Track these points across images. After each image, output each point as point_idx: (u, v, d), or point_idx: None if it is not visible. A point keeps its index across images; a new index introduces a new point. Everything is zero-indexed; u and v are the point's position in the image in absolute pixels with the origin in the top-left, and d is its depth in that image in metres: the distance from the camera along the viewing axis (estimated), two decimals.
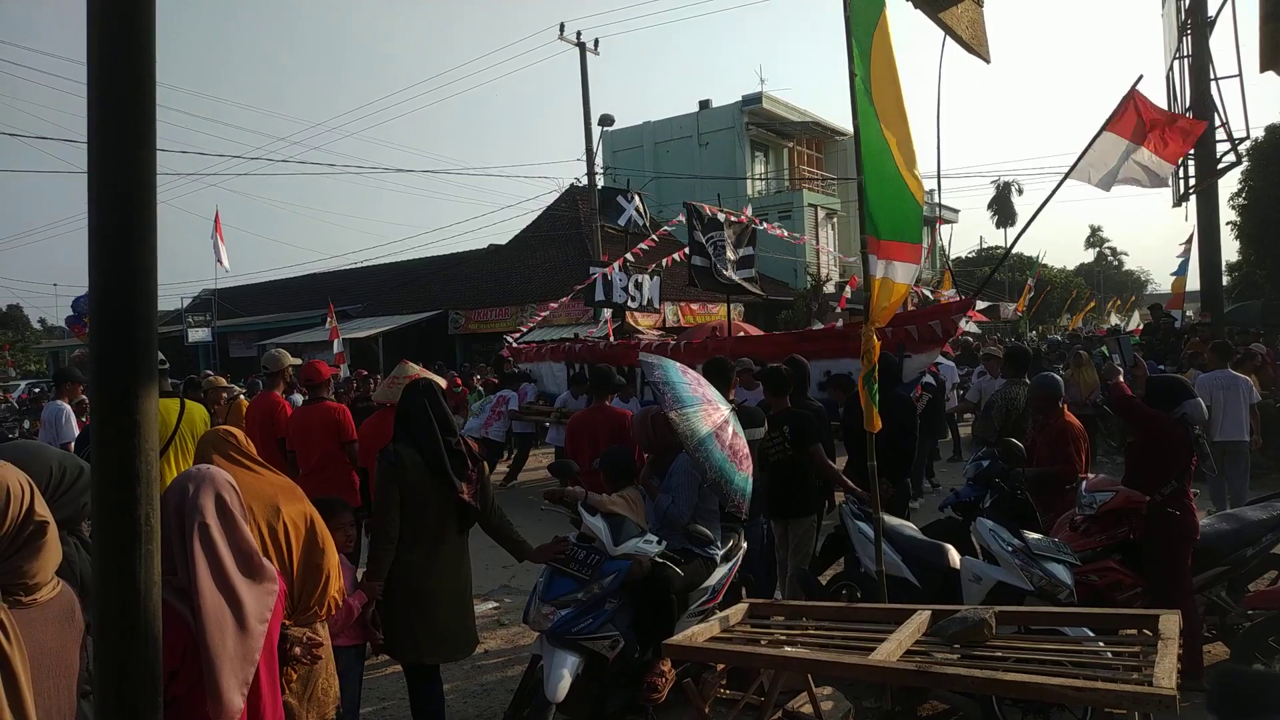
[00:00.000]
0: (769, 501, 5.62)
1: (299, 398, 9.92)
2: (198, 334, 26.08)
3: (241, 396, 8.99)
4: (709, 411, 4.42)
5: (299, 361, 7.42)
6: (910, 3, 3.10)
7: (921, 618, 3.34)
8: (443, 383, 7.50)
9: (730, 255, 11.76)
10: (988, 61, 3.55)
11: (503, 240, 30.42)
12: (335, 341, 18.75)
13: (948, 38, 3.30)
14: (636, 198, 12.84)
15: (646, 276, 13.08)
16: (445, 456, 3.74)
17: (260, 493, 2.83)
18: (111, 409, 1.36)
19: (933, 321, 7.95)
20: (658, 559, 4.08)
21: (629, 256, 13.58)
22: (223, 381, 9.00)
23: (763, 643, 3.50)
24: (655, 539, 4.18)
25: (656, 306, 13.59)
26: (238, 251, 77.82)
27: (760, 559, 5.49)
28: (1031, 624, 3.62)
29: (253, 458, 2.95)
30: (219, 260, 21.75)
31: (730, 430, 4.46)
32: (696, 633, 3.50)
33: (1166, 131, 6.27)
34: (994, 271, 12.42)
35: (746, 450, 4.56)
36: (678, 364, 4.81)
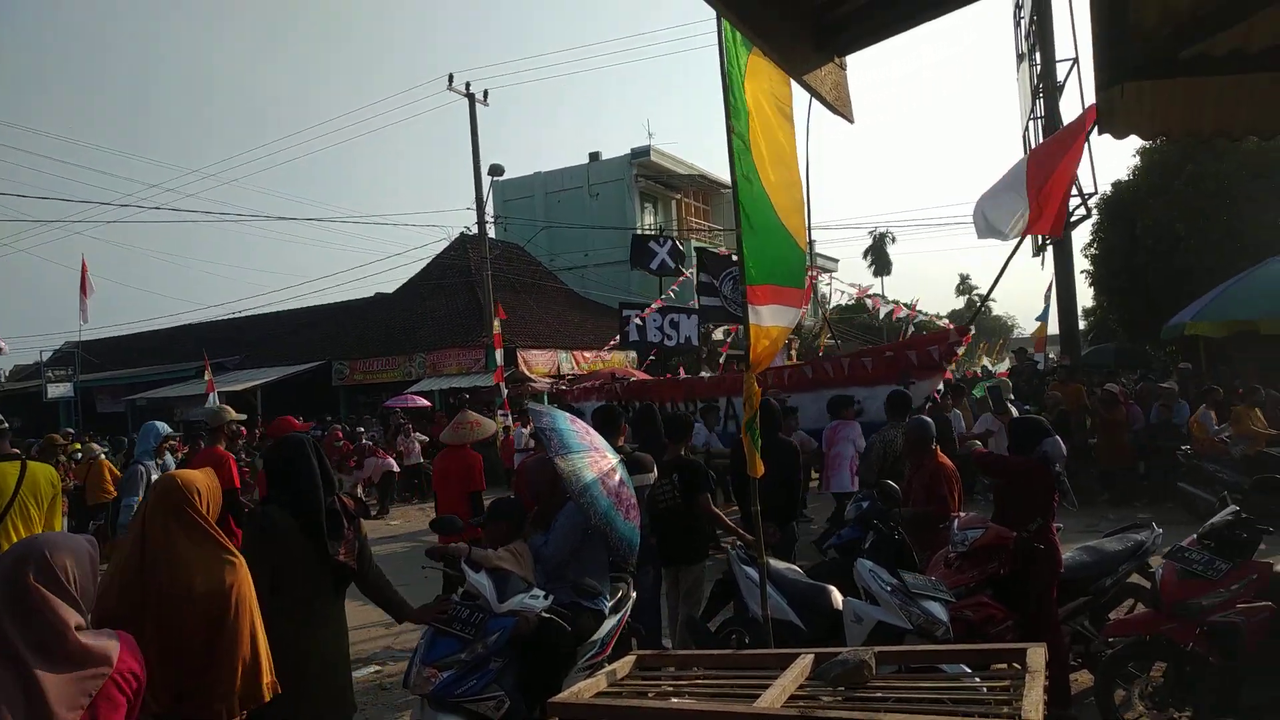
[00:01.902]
0: (659, 548, 5.62)
1: (170, 459, 9.37)
2: (58, 389, 24.51)
3: (103, 456, 8.44)
4: (595, 459, 4.40)
5: (243, 417, 7.44)
6: (769, 60, 3.23)
7: (805, 661, 3.36)
8: (493, 428, 7.22)
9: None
10: (851, 121, 3.70)
11: (390, 289, 29.80)
12: (210, 395, 17.85)
13: (812, 99, 3.45)
14: (669, 242, 12.99)
15: (684, 315, 13.11)
16: (323, 517, 3.58)
17: (179, 560, 2.74)
18: None
19: (931, 348, 8.22)
20: (545, 614, 4.00)
21: (670, 293, 13.59)
22: (59, 439, 8.70)
23: (650, 695, 3.45)
24: (542, 594, 4.09)
25: (695, 344, 13.71)
26: (107, 302, 73.77)
27: (649, 607, 5.47)
28: (911, 662, 3.71)
29: (201, 518, 2.85)
30: (81, 313, 20.69)
31: (617, 478, 4.45)
32: (582, 689, 3.42)
33: (1047, 203, 6.61)
34: (983, 302, 13.02)
35: (634, 500, 4.55)
36: (566, 413, 4.80)
